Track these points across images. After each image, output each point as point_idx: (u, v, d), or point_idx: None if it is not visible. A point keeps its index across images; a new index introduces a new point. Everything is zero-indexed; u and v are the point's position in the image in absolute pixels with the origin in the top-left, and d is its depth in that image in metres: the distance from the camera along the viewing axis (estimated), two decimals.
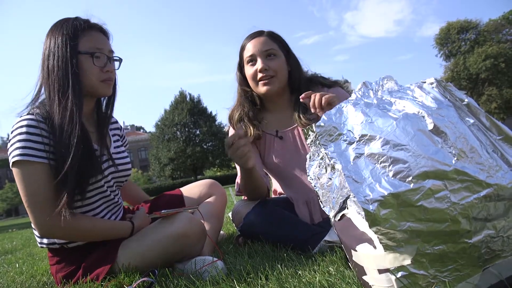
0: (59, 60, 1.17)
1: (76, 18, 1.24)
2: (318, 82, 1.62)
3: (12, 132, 1.14)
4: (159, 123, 29.50)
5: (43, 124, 1.13)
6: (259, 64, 1.52)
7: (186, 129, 28.56)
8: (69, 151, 1.12)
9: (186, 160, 27.76)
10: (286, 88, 1.61)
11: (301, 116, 1.54)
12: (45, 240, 1.26)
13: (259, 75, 1.53)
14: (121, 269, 1.21)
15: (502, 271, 0.69)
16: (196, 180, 29.31)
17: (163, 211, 1.24)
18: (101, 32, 1.28)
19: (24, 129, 1.11)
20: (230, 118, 1.68)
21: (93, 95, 1.28)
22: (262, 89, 1.55)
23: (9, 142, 1.14)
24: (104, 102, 1.39)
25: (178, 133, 28.55)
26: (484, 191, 0.69)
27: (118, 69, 1.33)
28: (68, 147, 1.12)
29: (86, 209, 1.26)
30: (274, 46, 1.55)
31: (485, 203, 0.69)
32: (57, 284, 1.28)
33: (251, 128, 1.59)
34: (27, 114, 1.15)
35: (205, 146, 28.62)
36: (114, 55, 1.30)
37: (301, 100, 1.29)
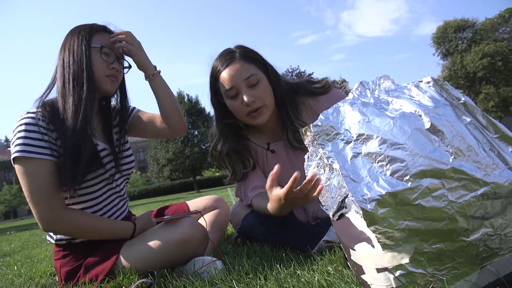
0: (75, 54, 1.24)
1: (94, 23, 1.32)
2: (309, 92, 1.45)
3: (13, 131, 1.19)
4: None
5: (41, 122, 1.18)
6: (244, 98, 1.32)
7: None
8: (80, 139, 1.17)
9: (185, 161, 27.67)
10: (275, 109, 1.44)
11: (290, 138, 1.43)
12: (53, 235, 1.30)
13: (247, 108, 1.35)
14: (120, 270, 1.21)
15: (500, 269, 0.70)
16: (195, 180, 29.28)
17: (165, 216, 1.24)
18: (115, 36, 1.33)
19: (22, 127, 1.16)
20: (213, 156, 1.52)
21: (99, 90, 1.31)
22: (253, 122, 1.38)
23: (10, 141, 1.20)
24: (118, 99, 1.44)
25: None
26: (481, 190, 0.69)
27: (125, 73, 1.39)
28: (80, 135, 1.17)
29: (92, 197, 1.29)
30: (252, 69, 1.35)
31: (482, 201, 0.69)
32: (60, 279, 1.29)
33: (241, 166, 1.46)
34: (27, 113, 1.20)
35: (203, 147, 28.53)
36: (122, 58, 1.36)
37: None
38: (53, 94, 1.28)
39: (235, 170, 1.47)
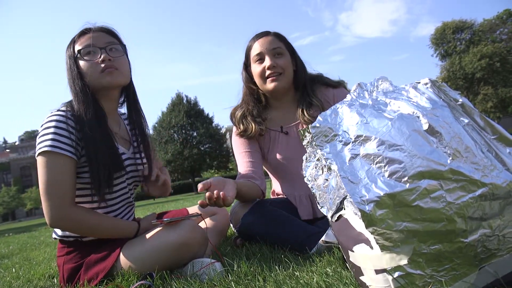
0: (67, 71, 1.32)
1: (75, 35, 1.34)
2: (323, 82, 1.68)
3: (42, 126, 1.22)
4: (156, 125, 29.37)
5: (71, 121, 1.22)
6: (267, 62, 1.57)
7: (183, 131, 28.43)
8: (88, 146, 1.22)
9: (184, 162, 27.62)
10: (291, 86, 1.66)
11: (304, 112, 1.59)
12: (59, 232, 1.31)
13: (267, 72, 1.58)
14: (119, 272, 1.20)
15: (498, 270, 0.70)
16: (194, 182, 29.19)
17: (165, 219, 1.25)
18: (95, 31, 1.32)
19: (53, 123, 1.20)
20: (232, 116, 1.72)
21: (102, 89, 1.32)
22: (270, 85, 1.59)
23: (38, 135, 1.24)
24: (125, 101, 1.46)
25: (175, 135, 28.41)
26: (479, 191, 0.69)
27: (121, 56, 1.34)
28: (88, 142, 1.23)
29: (110, 197, 1.32)
30: (281, 45, 1.61)
31: (481, 202, 0.69)
32: (62, 276, 1.30)
33: (253, 124, 1.63)
34: (57, 110, 1.24)
35: (202, 148, 28.48)
36: (114, 44, 1.32)
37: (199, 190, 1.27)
38: None
39: (246, 130, 1.65)
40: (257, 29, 1.66)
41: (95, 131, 1.24)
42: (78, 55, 1.29)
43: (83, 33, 1.32)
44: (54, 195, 1.18)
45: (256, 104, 1.69)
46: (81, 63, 1.29)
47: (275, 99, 1.69)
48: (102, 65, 1.28)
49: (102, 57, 1.28)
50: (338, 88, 1.67)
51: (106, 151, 1.25)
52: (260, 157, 1.69)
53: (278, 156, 1.65)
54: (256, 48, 1.60)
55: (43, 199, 1.19)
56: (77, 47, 1.30)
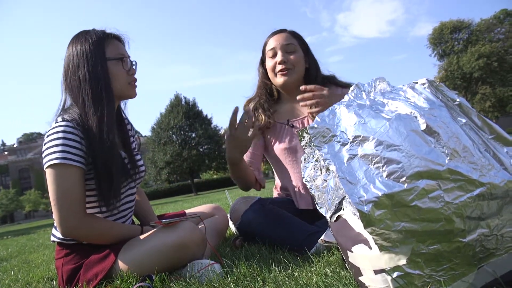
0: (90, 69, 1.24)
1: (94, 30, 1.33)
2: (334, 82, 1.74)
3: (48, 136, 1.20)
4: (155, 126, 29.36)
5: (77, 131, 1.21)
6: (279, 57, 1.64)
7: (182, 132, 28.42)
8: (110, 155, 1.21)
9: (183, 163, 27.62)
10: (301, 82, 1.70)
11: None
12: (58, 235, 1.31)
13: (278, 67, 1.65)
14: (118, 274, 1.20)
15: (497, 269, 0.70)
16: (193, 183, 29.19)
17: (163, 220, 1.25)
18: (119, 40, 1.36)
19: (61, 134, 1.18)
20: (245, 107, 1.80)
21: (120, 98, 1.36)
22: (279, 80, 1.66)
23: (44, 145, 1.21)
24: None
25: (174, 136, 28.40)
26: (477, 190, 0.69)
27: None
28: (108, 151, 1.21)
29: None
30: (294, 42, 1.67)
31: (479, 202, 0.69)
32: (61, 278, 1.30)
33: (263, 116, 1.70)
34: (63, 120, 1.21)
35: (201, 149, 28.47)
36: (131, 60, 1.37)
37: (301, 88, 1.45)
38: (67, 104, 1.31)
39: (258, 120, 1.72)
40: (256, 30, 1.74)
41: (103, 140, 1.22)
42: (116, 60, 1.29)
43: (112, 37, 1.32)
44: (66, 206, 1.17)
45: (268, 98, 1.77)
46: (114, 69, 1.28)
47: (286, 94, 1.75)
48: (131, 78, 1.32)
49: (134, 70, 1.33)
50: (347, 88, 1.70)
51: (113, 158, 1.24)
52: (262, 151, 1.75)
53: (282, 146, 1.69)
54: (271, 43, 1.68)
55: (55, 210, 1.19)
56: (114, 51, 1.30)
